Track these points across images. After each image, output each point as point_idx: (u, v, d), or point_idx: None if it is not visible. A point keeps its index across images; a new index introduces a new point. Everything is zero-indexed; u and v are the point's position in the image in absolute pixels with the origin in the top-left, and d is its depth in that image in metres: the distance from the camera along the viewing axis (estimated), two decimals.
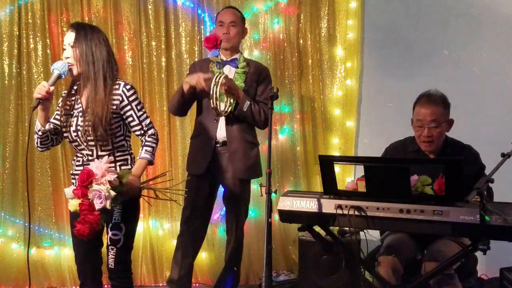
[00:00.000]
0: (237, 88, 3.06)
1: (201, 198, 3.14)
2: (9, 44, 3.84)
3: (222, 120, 3.13)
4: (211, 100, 3.01)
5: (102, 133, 2.35)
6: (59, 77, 2.33)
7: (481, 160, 2.72)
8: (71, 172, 2.54)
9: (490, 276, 3.51)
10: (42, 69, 3.86)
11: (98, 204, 2.16)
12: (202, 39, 3.96)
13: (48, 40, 3.85)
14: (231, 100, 3.05)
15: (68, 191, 2.27)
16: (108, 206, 2.18)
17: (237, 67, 3.17)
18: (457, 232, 2.16)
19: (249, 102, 3.08)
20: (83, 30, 2.40)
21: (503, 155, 2.32)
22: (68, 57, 2.38)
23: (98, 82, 2.37)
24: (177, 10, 3.99)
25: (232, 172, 3.13)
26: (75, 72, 2.40)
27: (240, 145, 3.14)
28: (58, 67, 2.33)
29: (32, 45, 3.84)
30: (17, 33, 3.83)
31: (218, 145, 3.13)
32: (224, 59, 3.18)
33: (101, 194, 2.16)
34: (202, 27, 4.00)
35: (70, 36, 2.39)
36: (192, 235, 3.18)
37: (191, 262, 3.23)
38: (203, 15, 4.01)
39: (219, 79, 2.98)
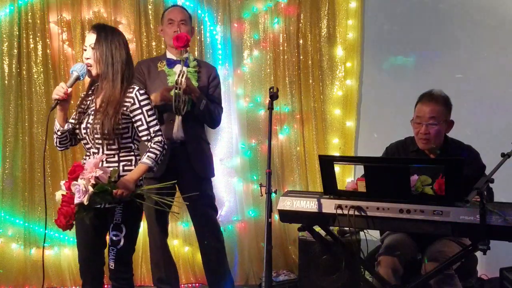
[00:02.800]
0: (194, 87, 3.04)
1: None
2: (9, 44, 3.83)
3: (178, 120, 3.10)
4: (174, 99, 2.92)
5: (110, 131, 2.38)
6: (77, 78, 2.39)
7: (481, 160, 2.72)
8: None
9: (490, 276, 3.51)
10: (42, 69, 3.86)
11: (76, 198, 2.20)
12: (202, 39, 3.97)
13: (48, 40, 3.85)
14: (186, 99, 3.00)
15: (62, 183, 2.33)
16: (85, 202, 2.20)
17: (188, 66, 3.13)
18: (457, 232, 2.16)
19: (204, 101, 3.07)
20: (104, 31, 2.44)
21: (503, 155, 2.32)
22: (88, 58, 2.43)
23: (116, 84, 2.42)
24: None
25: (193, 171, 3.12)
26: (93, 73, 2.45)
27: (199, 144, 3.16)
28: (76, 69, 2.39)
29: (32, 45, 3.84)
30: (17, 33, 3.83)
31: (175, 145, 3.10)
32: (174, 58, 3.16)
33: (80, 189, 2.19)
34: (202, 27, 4.00)
35: (91, 38, 2.44)
36: (164, 236, 3.22)
37: (171, 259, 3.28)
38: (203, 15, 4.01)
39: (181, 77, 2.90)
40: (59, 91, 2.37)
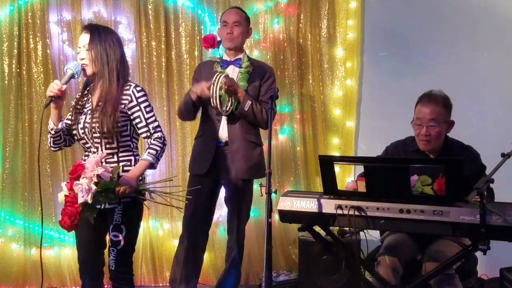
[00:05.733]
0: (237, 87, 3.05)
1: (202, 197, 3.13)
2: (9, 44, 3.84)
3: (224, 120, 3.13)
4: (211, 99, 3.00)
5: (110, 129, 2.37)
6: (72, 76, 2.39)
7: (481, 160, 2.72)
8: None
9: (490, 276, 3.51)
10: (42, 69, 3.86)
11: (80, 198, 2.19)
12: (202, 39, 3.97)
13: (48, 40, 3.85)
14: (233, 100, 3.05)
15: (63, 184, 2.31)
16: (89, 200, 2.19)
17: (240, 67, 3.17)
18: (457, 232, 2.16)
19: (250, 102, 3.07)
20: (97, 31, 2.44)
21: (503, 155, 2.32)
22: (83, 59, 2.42)
23: (112, 82, 2.42)
24: (177, 10, 3.99)
25: (234, 172, 3.12)
26: (89, 72, 2.45)
27: (242, 145, 3.13)
28: (71, 67, 2.38)
29: (32, 45, 3.85)
30: (17, 33, 3.83)
31: (220, 145, 3.13)
32: (228, 59, 3.18)
33: (83, 188, 2.18)
34: (202, 27, 4.00)
35: (84, 38, 2.43)
36: (193, 235, 3.18)
37: (195, 261, 3.24)
38: (203, 15, 4.01)
39: (218, 78, 2.97)
40: (53, 88, 2.36)
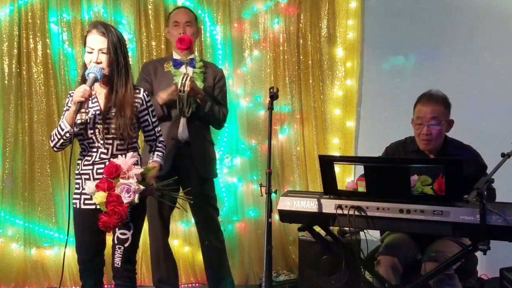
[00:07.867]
0: (199, 89, 3.05)
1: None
2: (9, 44, 3.83)
3: (182, 121, 3.11)
4: (178, 101, 2.94)
5: (130, 133, 2.40)
6: (95, 80, 2.35)
7: (482, 159, 2.72)
8: (76, 172, 2.52)
9: (490, 276, 3.51)
10: (42, 69, 3.86)
11: (126, 198, 2.21)
12: (202, 39, 3.97)
13: (48, 40, 3.85)
14: (192, 101, 3.02)
15: (90, 185, 2.31)
16: (136, 200, 2.24)
17: (194, 67, 3.15)
18: (457, 232, 2.16)
19: (209, 103, 3.08)
20: (111, 33, 2.40)
21: (503, 155, 2.32)
22: (100, 62, 2.38)
23: (128, 86, 2.43)
24: None
25: (197, 172, 3.12)
26: (106, 74, 2.42)
27: (203, 145, 3.17)
28: (94, 71, 2.34)
29: (32, 45, 3.84)
30: (17, 33, 3.83)
31: (179, 145, 3.11)
32: (179, 58, 3.15)
33: (130, 188, 2.22)
34: (202, 27, 4.00)
35: (99, 40, 2.37)
36: (167, 233, 3.24)
37: (173, 259, 3.29)
38: (203, 15, 4.01)
39: (185, 80, 2.93)
40: (83, 93, 2.28)
